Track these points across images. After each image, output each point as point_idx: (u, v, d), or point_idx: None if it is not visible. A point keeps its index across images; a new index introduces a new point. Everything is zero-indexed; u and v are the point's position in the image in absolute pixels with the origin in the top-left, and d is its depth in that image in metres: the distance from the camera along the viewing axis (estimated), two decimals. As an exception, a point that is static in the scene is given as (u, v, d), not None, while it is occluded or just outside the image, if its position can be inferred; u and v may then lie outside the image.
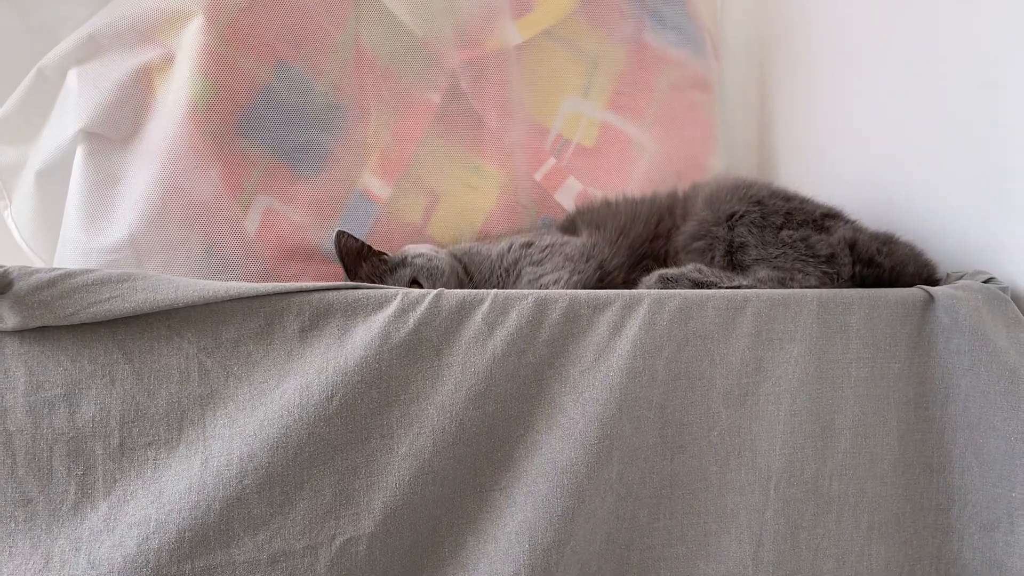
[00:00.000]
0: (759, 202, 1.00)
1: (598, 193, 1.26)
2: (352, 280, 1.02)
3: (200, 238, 1.03)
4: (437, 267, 0.99)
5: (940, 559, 0.87)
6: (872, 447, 0.85)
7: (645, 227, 1.06)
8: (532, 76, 1.25)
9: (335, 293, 0.78)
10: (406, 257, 1.02)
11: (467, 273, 1.04)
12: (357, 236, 1.04)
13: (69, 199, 1.03)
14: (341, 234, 1.00)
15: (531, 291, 0.81)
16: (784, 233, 0.95)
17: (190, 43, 1.02)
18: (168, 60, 1.04)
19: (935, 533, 0.86)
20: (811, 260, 0.93)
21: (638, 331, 0.80)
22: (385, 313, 0.77)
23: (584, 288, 0.97)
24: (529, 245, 1.05)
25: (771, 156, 1.43)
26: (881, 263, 0.93)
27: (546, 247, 1.03)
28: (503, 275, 1.03)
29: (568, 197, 1.27)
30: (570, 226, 1.15)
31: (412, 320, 0.77)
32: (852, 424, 0.84)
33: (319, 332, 0.77)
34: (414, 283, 1.00)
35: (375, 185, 1.13)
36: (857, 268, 0.93)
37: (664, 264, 1.03)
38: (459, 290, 0.81)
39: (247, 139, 1.04)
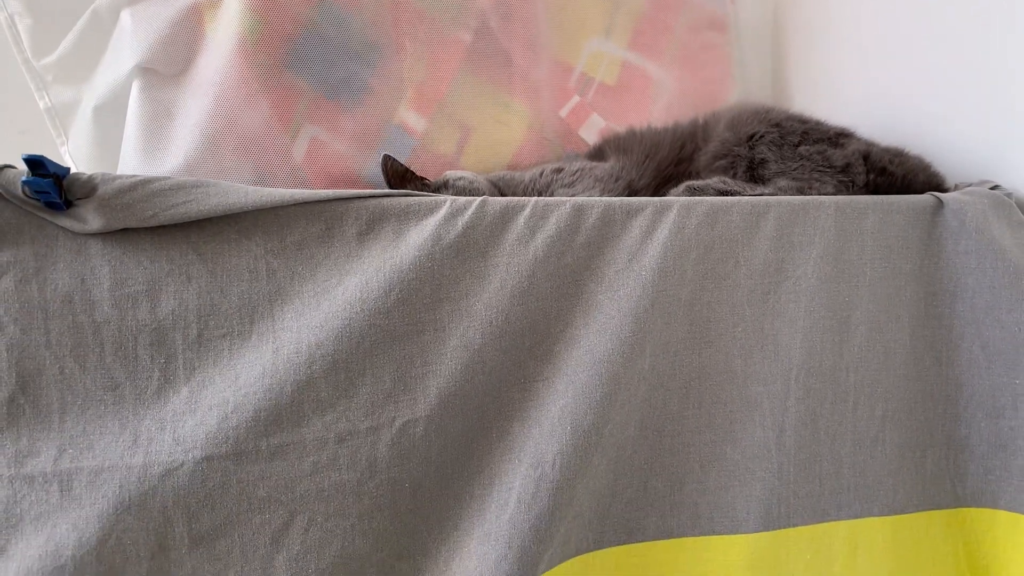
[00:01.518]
0: (777, 124, 1.04)
1: (620, 130, 1.29)
2: (397, 201, 1.07)
3: (251, 165, 1.07)
4: (477, 189, 1.04)
5: (949, 445, 0.92)
6: (886, 341, 0.90)
7: (670, 151, 1.09)
8: (557, 16, 1.28)
9: (389, 199, 0.82)
10: (447, 180, 1.06)
11: (501, 195, 1.07)
12: (397, 166, 1.09)
13: (126, 131, 1.07)
14: (387, 157, 1.05)
15: (569, 198, 0.85)
16: (802, 148, 1.00)
17: (237, -19, 1.06)
18: None
19: (944, 421, 0.91)
20: (827, 170, 0.97)
21: (668, 234, 0.84)
22: (436, 217, 0.82)
23: (615, 205, 1.02)
24: (560, 170, 1.09)
25: (785, 92, 1.47)
26: (893, 172, 0.97)
27: (576, 171, 1.07)
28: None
29: (592, 133, 1.30)
30: (597, 154, 1.19)
31: (460, 224, 0.81)
32: (867, 320, 0.89)
33: (376, 235, 0.81)
34: None
35: (411, 118, 1.17)
36: (871, 176, 0.97)
37: None
38: (502, 197, 0.85)
39: (294, 72, 1.08)
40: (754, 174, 1.02)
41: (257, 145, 1.08)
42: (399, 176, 1.06)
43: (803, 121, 1.05)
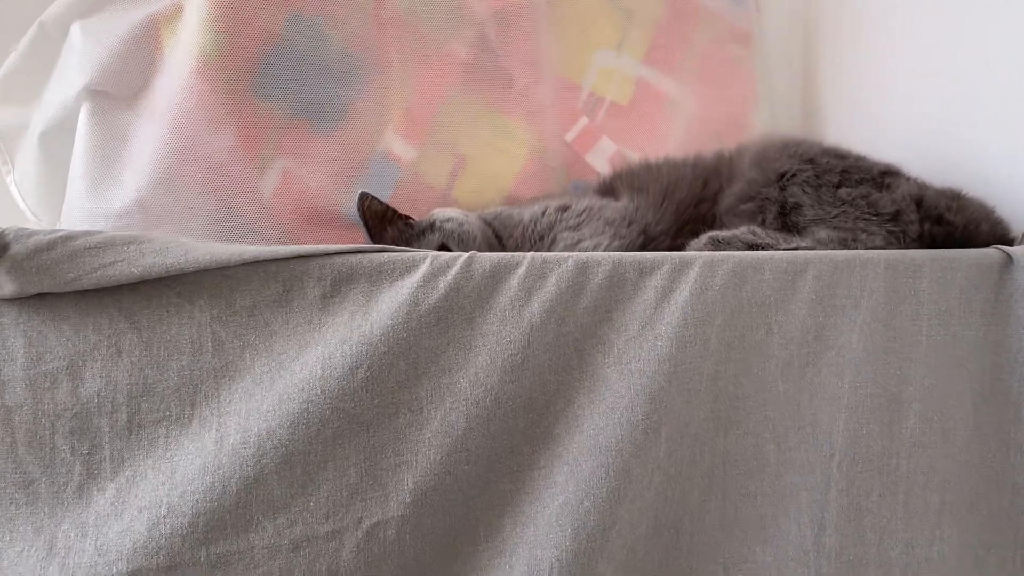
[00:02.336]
0: (811, 160, 0.96)
1: (632, 154, 1.23)
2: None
3: (213, 201, 0.99)
4: (468, 232, 0.96)
5: (1017, 543, 0.82)
6: (944, 422, 0.81)
7: (690, 189, 1.02)
8: (563, 28, 1.21)
9: (359, 256, 0.74)
10: (434, 222, 0.99)
11: (498, 239, 1.02)
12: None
13: (74, 162, 1.00)
14: (364, 196, 0.98)
15: (571, 254, 0.77)
16: (842, 191, 0.91)
17: (198, -9, 0.98)
18: (176, 10, 1.00)
19: (1012, 515, 0.82)
20: (874, 219, 0.88)
21: (688, 296, 0.76)
22: (413, 278, 0.73)
23: (626, 254, 0.94)
24: (565, 209, 1.01)
25: (816, 112, 1.39)
26: (952, 220, 0.89)
27: (583, 211, 1.00)
28: (537, 241, 0.99)
29: (601, 159, 1.23)
30: (608, 189, 1.11)
31: (442, 285, 0.73)
32: (922, 397, 0.80)
33: (342, 299, 0.73)
34: (443, 249, 0.96)
35: (398, 146, 1.10)
36: (926, 226, 0.88)
37: (711, 229, 0.98)
38: (493, 253, 0.77)
39: (262, 95, 1.01)
40: (787, 220, 0.93)
41: (220, 178, 1.00)
42: (378, 217, 0.99)
43: (841, 156, 0.96)
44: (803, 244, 0.87)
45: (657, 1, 1.25)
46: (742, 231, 0.88)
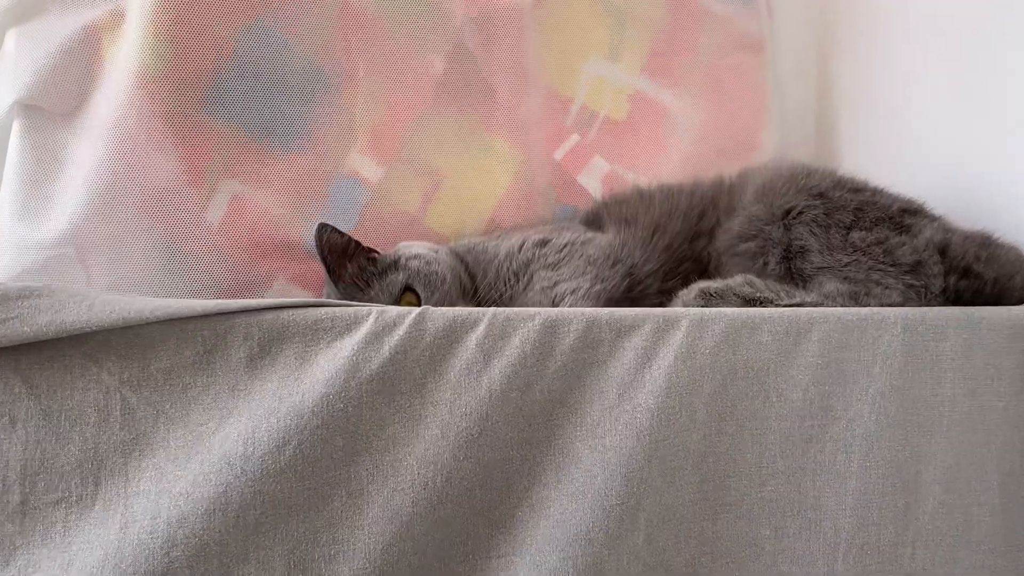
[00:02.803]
0: (821, 195, 0.88)
1: (628, 174, 1.17)
2: (336, 283, 0.93)
3: (155, 231, 0.95)
4: (436, 272, 0.90)
5: (1048, 644, 0.76)
6: (967, 507, 0.74)
7: (684, 223, 0.96)
8: (552, 35, 1.15)
9: (291, 312, 0.69)
10: (399, 259, 0.92)
11: (471, 277, 0.95)
12: (342, 227, 0.94)
13: (3, 184, 0.95)
14: (324, 227, 0.91)
15: (538, 310, 0.72)
16: (855, 235, 0.83)
17: (142, -4, 0.93)
18: (118, 17, 0.96)
19: None
20: (891, 269, 0.81)
21: (673, 361, 0.71)
22: (354, 338, 0.68)
23: (609, 299, 0.89)
24: (544, 244, 0.95)
25: (831, 131, 1.32)
26: (981, 273, 0.81)
27: (564, 246, 0.94)
28: (511, 279, 0.93)
29: (593, 180, 1.17)
30: (595, 220, 1.05)
31: (388, 347, 0.67)
32: (943, 479, 0.74)
33: (271, 362, 0.68)
34: (408, 291, 0.90)
35: (364, 166, 1.04)
36: (951, 279, 0.81)
37: (707, 270, 0.93)
38: (448, 308, 0.72)
39: (211, 112, 0.97)
40: (791, 266, 0.86)
41: (163, 205, 0.95)
42: (338, 252, 0.92)
43: (856, 190, 0.88)
44: (808, 299, 0.80)
45: (657, 3, 1.19)
46: (737, 282, 0.81)
